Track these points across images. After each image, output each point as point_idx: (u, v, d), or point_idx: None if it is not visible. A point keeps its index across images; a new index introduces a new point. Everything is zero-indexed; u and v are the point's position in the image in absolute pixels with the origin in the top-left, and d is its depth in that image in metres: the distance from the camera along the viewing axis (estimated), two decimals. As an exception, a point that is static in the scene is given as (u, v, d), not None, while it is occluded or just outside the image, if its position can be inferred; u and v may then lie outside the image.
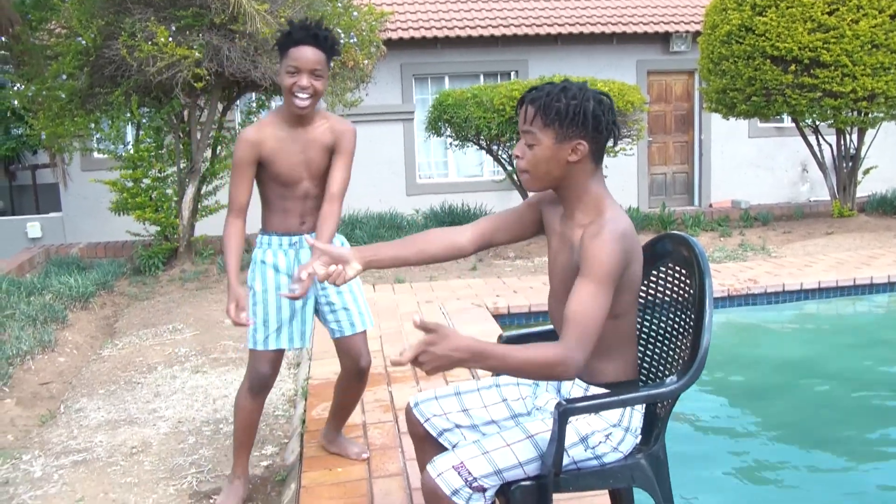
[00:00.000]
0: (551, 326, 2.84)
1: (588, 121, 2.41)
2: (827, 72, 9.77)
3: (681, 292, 2.73)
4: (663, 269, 2.83)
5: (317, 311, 3.75)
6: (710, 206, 14.46)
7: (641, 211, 12.03)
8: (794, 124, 11.41)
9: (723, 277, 7.66)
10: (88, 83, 9.01)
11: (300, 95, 3.38)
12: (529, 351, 2.24)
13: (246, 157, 3.49)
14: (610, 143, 2.58)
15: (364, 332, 3.78)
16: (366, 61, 9.66)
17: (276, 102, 12.00)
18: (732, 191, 14.67)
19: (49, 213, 14.45)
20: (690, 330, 2.60)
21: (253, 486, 3.95)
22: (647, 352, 2.90)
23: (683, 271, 2.72)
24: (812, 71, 9.89)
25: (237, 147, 3.50)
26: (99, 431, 4.75)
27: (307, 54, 3.33)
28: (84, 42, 8.73)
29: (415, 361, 2.15)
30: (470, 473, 2.37)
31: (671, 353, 2.76)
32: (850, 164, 11.31)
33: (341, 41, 9.17)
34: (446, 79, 13.75)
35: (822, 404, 5.33)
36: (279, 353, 3.69)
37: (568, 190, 2.54)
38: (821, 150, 11.35)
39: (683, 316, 2.69)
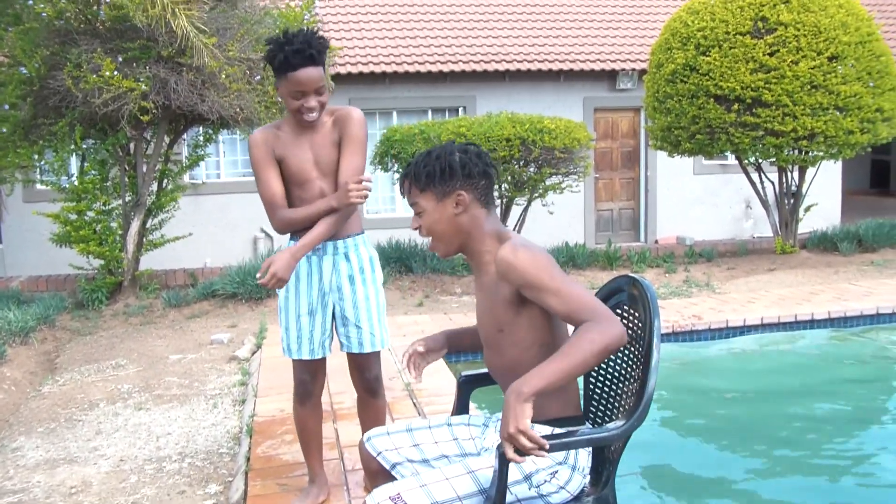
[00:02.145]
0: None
1: (456, 171, 2.55)
2: (768, 111, 9.96)
3: (632, 333, 2.74)
4: (619, 311, 2.83)
5: (335, 321, 3.71)
6: (657, 242, 14.62)
7: (588, 247, 12.11)
8: (737, 162, 11.59)
9: (667, 314, 7.72)
10: (32, 114, 8.88)
11: (309, 115, 3.39)
12: (580, 348, 2.27)
13: (263, 154, 3.48)
14: (495, 179, 2.68)
15: (373, 352, 3.71)
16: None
17: (223, 136, 11.97)
18: (678, 227, 14.84)
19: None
20: (638, 371, 2.61)
21: (196, 527, 3.88)
22: (597, 391, 2.91)
23: (635, 312, 2.73)
24: (754, 110, 10.08)
25: (252, 151, 3.49)
26: (37, 471, 4.64)
27: (310, 75, 3.31)
28: (27, 72, 8.61)
29: (509, 435, 2.20)
30: None
31: (620, 393, 2.77)
32: (792, 201, 11.52)
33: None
34: (394, 114, 13.79)
35: (764, 438, 5.38)
36: (314, 361, 3.68)
37: (470, 242, 2.64)
38: (763, 188, 11.55)
39: (632, 356, 2.70)
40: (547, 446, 2.21)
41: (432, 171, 2.56)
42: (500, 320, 2.56)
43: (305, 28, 3.42)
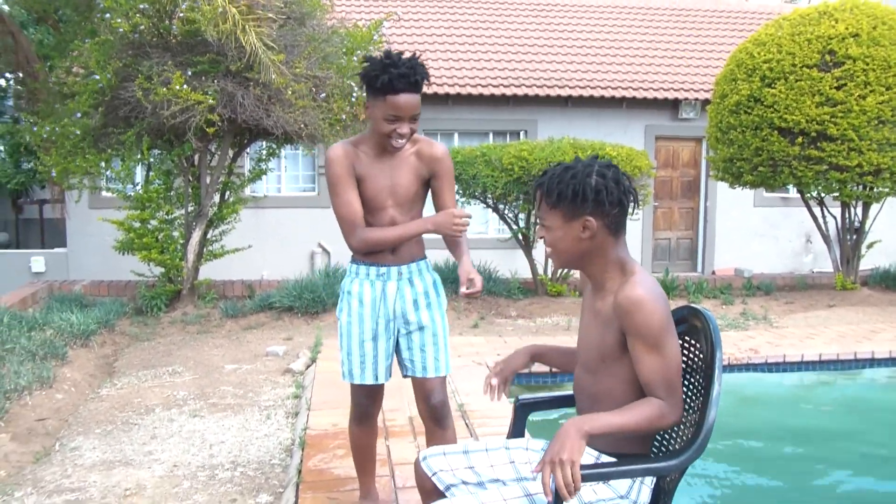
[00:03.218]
0: (568, 392, 2.88)
1: (589, 197, 2.48)
2: (833, 145, 9.84)
3: (692, 364, 2.73)
4: (681, 341, 2.82)
5: (398, 345, 3.65)
6: (714, 273, 14.48)
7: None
8: (799, 195, 11.45)
9: (724, 346, 7.64)
10: (102, 122, 9.10)
11: (399, 141, 3.33)
12: (635, 413, 2.39)
13: (343, 171, 3.41)
14: (631, 209, 2.62)
15: (438, 377, 3.63)
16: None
17: (286, 150, 12.12)
18: (736, 259, 14.69)
19: (54, 248, 14.47)
20: (699, 402, 2.59)
21: (248, 536, 3.92)
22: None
23: (696, 343, 2.72)
24: (819, 144, 9.97)
25: (331, 165, 3.42)
26: (93, 471, 4.72)
27: (409, 101, 3.26)
28: (100, 82, 8.83)
29: (558, 460, 2.28)
30: None
31: (684, 424, 2.75)
32: (854, 237, 11.36)
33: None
34: (456, 135, 13.85)
35: (818, 476, 5.30)
36: (375, 387, 3.65)
37: (591, 265, 2.61)
38: (825, 222, 11.40)
39: (693, 387, 2.68)
40: (572, 495, 2.28)
41: (564, 191, 2.51)
42: (606, 351, 2.56)
43: (411, 53, 3.39)
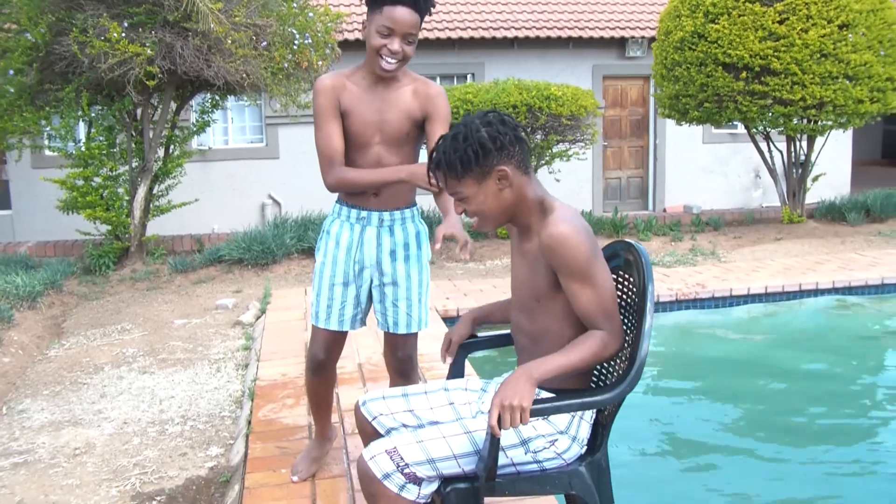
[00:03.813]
0: (506, 331, 2.91)
1: (489, 148, 2.45)
2: (777, 80, 9.90)
3: (626, 298, 2.75)
4: (615, 276, 2.84)
5: (372, 295, 3.51)
6: (665, 210, 14.58)
7: (595, 215, 12.11)
8: (746, 131, 11.53)
9: (672, 282, 7.73)
10: (38, 79, 8.88)
11: (389, 60, 3.13)
12: (579, 350, 2.42)
13: (327, 103, 3.24)
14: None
15: (408, 333, 3.50)
16: (320, 62, 9.61)
17: (233, 102, 11.96)
18: (687, 196, 14.80)
19: (-2, 210, 14.21)
20: (632, 336, 2.61)
21: (196, 487, 3.92)
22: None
23: (630, 277, 2.74)
24: (763, 78, 10.02)
25: (316, 97, 3.26)
26: (42, 433, 4.69)
27: (405, 16, 3.08)
28: (33, 38, 8.61)
29: (508, 405, 2.30)
30: (402, 459, 2.40)
31: (619, 359, 2.77)
32: (800, 170, 11.48)
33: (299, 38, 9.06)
34: (403, 80, 13.73)
35: (767, 404, 5.41)
36: (335, 337, 3.52)
37: (517, 214, 2.58)
38: (771, 157, 11.51)
39: (627, 323, 2.70)
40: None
41: (465, 156, 2.45)
42: (539, 290, 2.56)
43: None
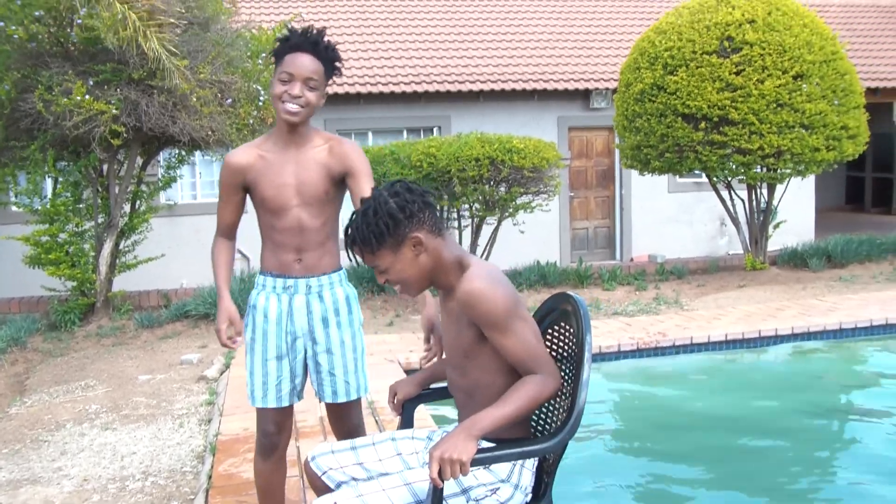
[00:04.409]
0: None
1: (399, 218, 2.54)
2: (735, 129, 10.10)
3: (566, 349, 2.82)
4: (556, 327, 2.92)
5: (307, 366, 3.41)
6: (632, 260, 14.72)
7: (563, 265, 12.20)
8: (708, 180, 11.72)
9: (633, 331, 7.81)
10: (3, 136, 8.90)
11: (290, 105, 3.10)
12: (515, 398, 2.48)
13: (229, 181, 3.27)
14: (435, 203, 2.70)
15: (350, 401, 3.41)
16: (285, 118, 9.69)
17: (200, 157, 12.01)
18: (653, 245, 14.95)
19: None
20: (570, 386, 2.68)
21: (153, 544, 3.92)
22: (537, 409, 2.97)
23: (569, 328, 2.81)
24: (721, 129, 10.22)
25: (222, 169, 3.28)
26: (-1, 492, 4.67)
27: (304, 62, 3.10)
28: (-2, 95, 8.67)
29: (447, 458, 2.36)
30: None
31: (555, 409, 2.84)
32: (762, 218, 11.65)
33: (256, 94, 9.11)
34: (370, 134, 13.88)
35: (725, 453, 5.46)
36: (281, 411, 3.37)
37: (438, 276, 2.67)
38: (733, 205, 11.68)
39: (567, 374, 2.77)
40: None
41: (377, 229, 2.54)
42: (465, 346, 2.65)
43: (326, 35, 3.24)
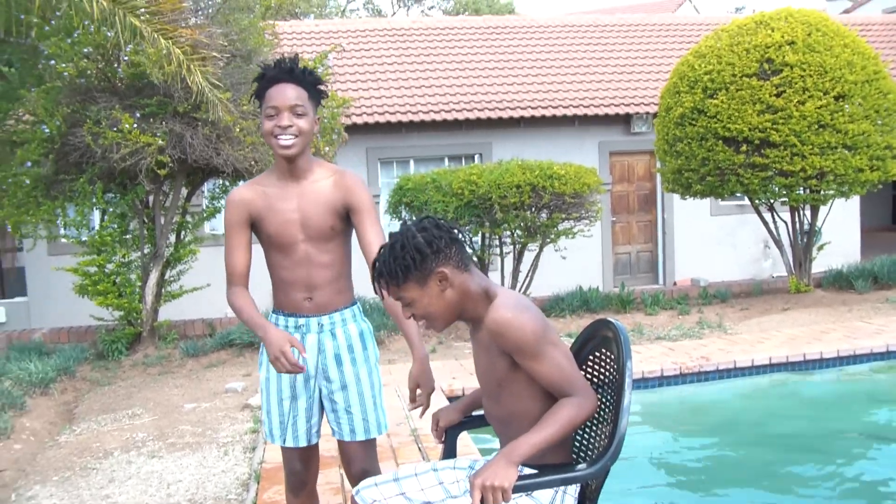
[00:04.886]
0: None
1: (426, 253, 2.57)
2: (777, 151, 10.04)
3: (607, 375, 2.84)
4: (597, 353, 2.93)
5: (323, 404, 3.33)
6: (675, 284, 14.64)
7: (606, 290, 12.16)
8: (750, 202, 11.64)
9: (676, 355, 7.77)
10: (53, 170, 9.14)
11: (283, 137, 3.03)
12: (553, 421, 2.50)
13: (234, 218, 3.16)
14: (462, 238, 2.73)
15: (366, 441, 3.30)
16: (327, 148, 9.84)
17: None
18: (696, 269, 14.83)
19: (15, 297, 14.40)
20: (612, 412, 2.69)
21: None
22: (578, 435, 2.98)
23: (611, 354, 2.83)
24: (763, 151, 10.16)
25: (225, 209, 3.19)
26: (50, 519, 4.75)
27: (286, 91, 3.03)
28: (49, 130, 8.87)
29: (489, 486, 2.40)
30: None
31: (597, 435, 2.85)
32: (805, 240, 11.55)
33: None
34: (411, 162, 13.96)
35: (771, 478, 5.41)
36: (306, 449, 3.33)
37: (465, 310, 2.70)
38: (776, 227, 11.59)
39: (606, 399, 2.79)
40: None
41: (404, 263, 2.57)
42: (498, 375, 2.67)
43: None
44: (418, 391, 3.11)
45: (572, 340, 3.10)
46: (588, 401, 2.56)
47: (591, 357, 2.97)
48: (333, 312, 3.24)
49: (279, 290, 3.25)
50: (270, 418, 3.31)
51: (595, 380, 2.93)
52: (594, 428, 2.86)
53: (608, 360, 2.84)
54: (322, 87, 3.18)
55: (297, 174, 3.15)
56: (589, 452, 2.88)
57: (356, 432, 3.28)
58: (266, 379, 3.29)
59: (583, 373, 2.94)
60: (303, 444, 3.31)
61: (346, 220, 3.21)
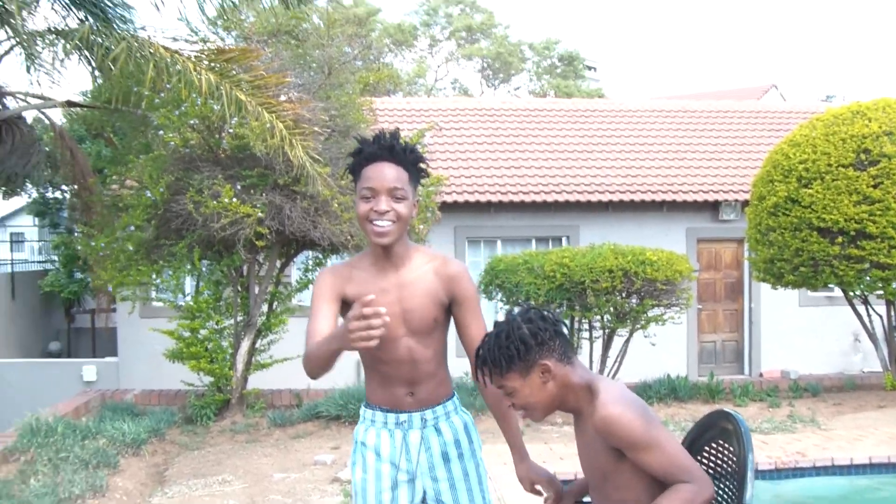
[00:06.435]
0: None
1: (531, 345, 2.60)
2: (874, 243, 9.86)
3: (726, 467, 2.81)
4: (714, 444, 2.91)
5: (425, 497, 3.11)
6: (761, 375, 14.36)
7: (690, 379, 11.97)
8: (843, 294, 11.42)
9: (770, 449, 7.60)
10: (155, 235, 9.40)
11: (378, 222, 2.80)
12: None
13: (326, 291, 2.90)
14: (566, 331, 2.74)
15: None
16: (421, 226, 9.97)
17: (333, 260, 12.36)
18: (783, 360, 14.53)
19: (105, 357, 14.75)
20: (733, 504, 2.67)
21: None
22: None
23: (729, 447, 2.81)
24: (859, 242, 9.98)
25: (318, 280, 2.95)
26: (146, 581, 4.81)
27: (384, 171, 2.81)
28: (152, 196, 9.17)
29: None
30: None
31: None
32: (902, 336, 11.26)
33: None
34: (499, 242, 14.05)
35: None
36: None
37: (565, 402, 2.72)
38: (870, 321, 11.32)
39: (727, 492, 2.76)
40: None
41: (508, 353, 2.60)
42: (603, 468, 2.68)
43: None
44: (537, 487, 3.08)
45: (687, 432, 3.08)
46: (705, 489, 2.54)
47: (707, 448, 2.95)
48: (436, 406, 3.07)
49: (377, 384, 3.05)
50: None
51: (710, 471, 2.90)
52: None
53: (727, 452, 2.83)
54: (423, 166, 2.98)
55: (395, 261, 2.94)
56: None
57: None
58: (363, 479, 3.06)
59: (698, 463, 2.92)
60: None
61: (448, 310, 3.04)
